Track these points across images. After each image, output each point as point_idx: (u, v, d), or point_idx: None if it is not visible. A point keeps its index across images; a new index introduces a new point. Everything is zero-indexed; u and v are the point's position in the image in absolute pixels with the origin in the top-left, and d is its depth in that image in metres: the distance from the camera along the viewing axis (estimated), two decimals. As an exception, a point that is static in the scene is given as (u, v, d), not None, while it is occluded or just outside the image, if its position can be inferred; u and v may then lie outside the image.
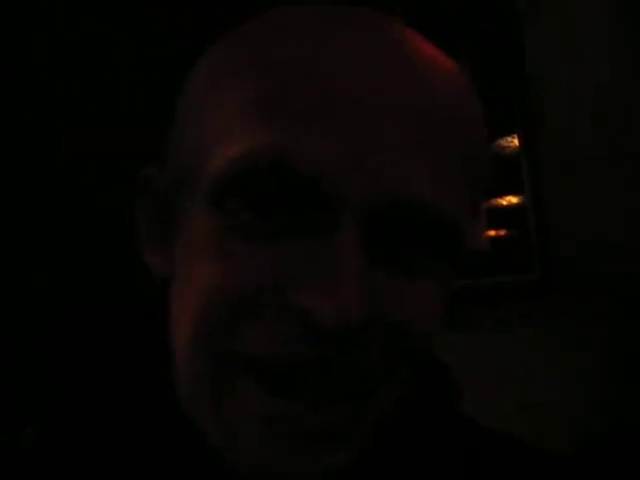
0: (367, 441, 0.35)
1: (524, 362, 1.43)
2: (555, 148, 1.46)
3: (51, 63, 1.39)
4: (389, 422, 0.37)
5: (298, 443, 0.32)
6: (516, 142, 1.51)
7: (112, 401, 0.40)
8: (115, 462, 0.37)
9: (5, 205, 1.29)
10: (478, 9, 1.55)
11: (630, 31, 1.34)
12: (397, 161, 0.30)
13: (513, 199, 1.49)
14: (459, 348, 1.42)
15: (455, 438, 0.43)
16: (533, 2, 1.50)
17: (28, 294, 1.25)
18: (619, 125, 1.36)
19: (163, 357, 0.37)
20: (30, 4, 1.39)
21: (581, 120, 1.43)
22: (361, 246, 0.30)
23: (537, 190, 1.48)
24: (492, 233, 1.50)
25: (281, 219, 0.31)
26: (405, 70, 0.32)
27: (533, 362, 1.42)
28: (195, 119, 0.35)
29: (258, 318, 0.31)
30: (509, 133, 1.51)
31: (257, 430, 0.32)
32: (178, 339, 0.35)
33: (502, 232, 1.50)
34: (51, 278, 1.26)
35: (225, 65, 0.34)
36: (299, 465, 0.32)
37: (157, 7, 1.54)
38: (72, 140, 1.36)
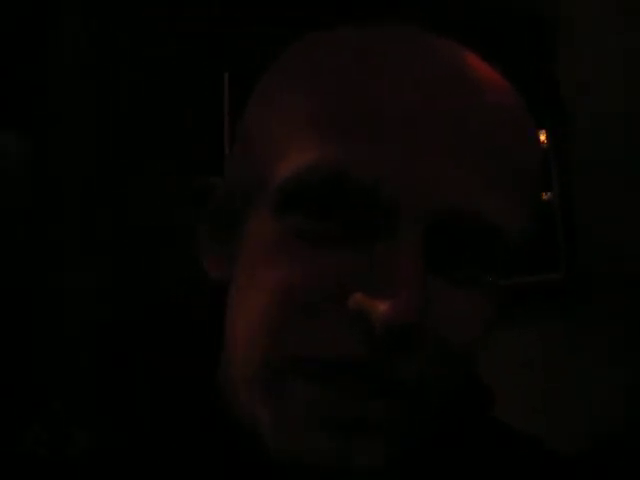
0: (411, 444, 0.36)
1: (545, 362, 1.43)
2: (585, 147, 1.46)
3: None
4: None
5: (344, 431, 0.33)
6: (542, 138, 1.49)
7: (161, 404, 0.42)
8: (164, 464, 0.39)
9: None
10: (510, 10, 1.56)
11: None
12: (454, 174, 0.32)
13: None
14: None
15: (489, 443, 0.45)
16: (565, 4, 1.52)
17: (78, 295, 1.30)
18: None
19: (210, 359, 0.40)
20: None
21: (612, 119, 1.43)
22: (421, 253, 0.31)
23: (566, 189, 1.48)
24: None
25: (343, 226, 0.33)
26: (456, 87, 0.33)
27: (554, 361, 1.42)
28: (261, 133, 0.37)
29: (320, 320, 0.32)
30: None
31: (305, 414, 0.33)
32: (239, 338, 0.36)
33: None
34: (100, 279, 1.31)
35: (288, 82, 0.36)
36: (343, 453, 0.33)
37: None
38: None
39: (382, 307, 0.30)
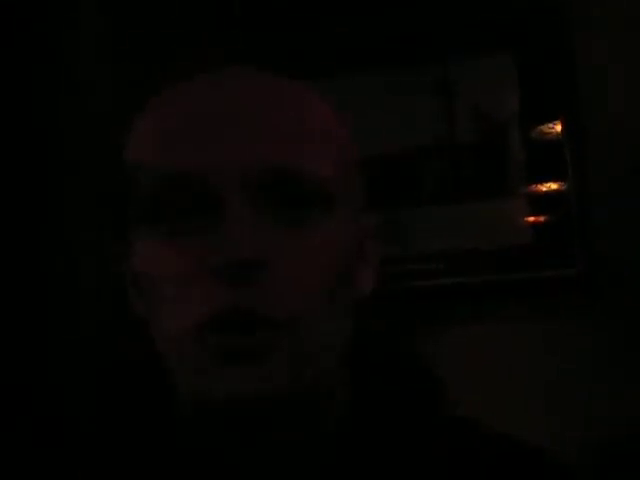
0: (301, 377, 0.43)
1: (555, 360, 1.39)
2: (601, 136, 1.43)
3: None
4: (368, 420, 0.47)
5: (242, 359, 0.41)
6: (557, 128, 1.49)
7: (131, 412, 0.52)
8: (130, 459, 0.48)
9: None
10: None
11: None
12: (252, 145, 0.42)
13: (553, 185, 1.47)
14: (490, 341, 1.43)
15: (433, 437, 0.49)
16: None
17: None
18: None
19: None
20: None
21: (629, 109, 1.40)
22: (246, 207, 0.41)
23: (581, 178, 1.44)
24: (531, 219, 1.50)
25: (192, 218, 0.43)
26: (246, 95, 0.45)
27: (565, 361, 1.39)
28: (134, 158, 0.47)
29: (198, 291, 0.41)
30: (550, 119, 1.50)
31: (209, 358, 0.42)
32: (158, 328, 0.45)
33: (541, 218, 1.49)
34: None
35: (145, 123, 0.47)
36: (250, 376, 0.41)
37: None
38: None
39: (214, 246, 0.40)
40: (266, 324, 0.41)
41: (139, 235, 0.46)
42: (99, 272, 1.38)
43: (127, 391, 0.53)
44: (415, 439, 0.48)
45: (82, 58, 1.45)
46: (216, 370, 0.41)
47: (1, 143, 1.34)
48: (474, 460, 0.49)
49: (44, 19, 1.41)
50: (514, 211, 1.49)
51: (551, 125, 1.48)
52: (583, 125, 1.45)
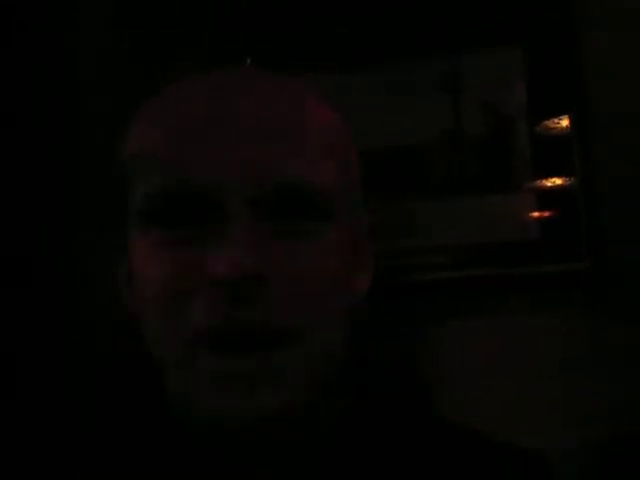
0: (303, 393, 0.43)
1: (564, 357, 1.39)
2: (608, 131, 1.43)
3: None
4: (350, 425, 0.47)
5: (240, 384, 0.40)
6: (563, 124, 1.48)
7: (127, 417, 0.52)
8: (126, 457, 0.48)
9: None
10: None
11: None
12: (254, 156, 0.41)
13: (558, 181, 1.47)
14: (494, 335, 1.43)
15: (415, 439, 0.50)
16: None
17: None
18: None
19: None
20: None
21: (636, 104, 1.40)
22: (247, 221, 0.40)
23: (588, 173, 1.44)
24: (536, 215, 1.50)
25: (191, 228, 0.42)
26: (251, 103, 0.44)
27: (573, 357, 1.38)
28: (130, 159, 0.46)
29: (195, 302, 0.41)
30: (556, 114, 1.50)
31: (212, 383, 0.41)
32: (148, 338, 0.45)
33: (547, 213, 1.49)
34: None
35: (144, 124, 0.46)
36: (248, 403, 0.40)
37: None
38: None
39: (216, 259, 0.39)
40: (267, 340, 0.40)
41: (135, 236, 0.45)
42: (98, 270, 1.39)
43: (125, 390, 0.54)
44: (407, 441, 0.49)
45: (83, 58, 1.46)
46: (213, 391, 0.41)
47: (2, 143, 1.35)
48: (460, 462, 0.50)
49: (44, 19, 1.42)
50: (520, 206, 1.49)
51: (556, 120, 1.48)
52: (590, 120, 1.44)
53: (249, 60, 1.48)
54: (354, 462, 0.47)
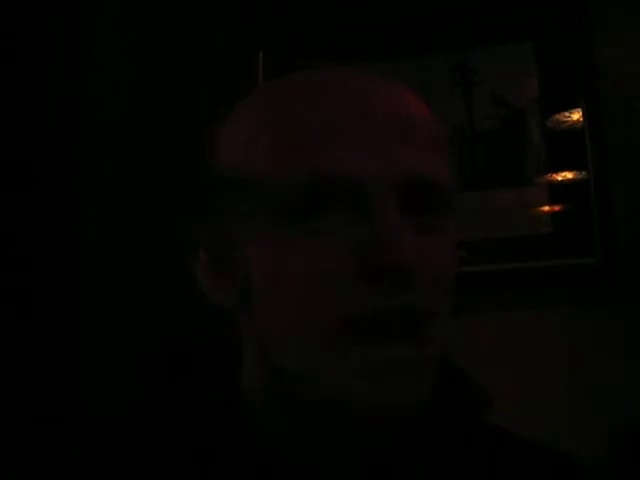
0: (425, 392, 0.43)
1: (571, 354, 1.39)
2: (619, 124, 1.43)
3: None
4: (413, 431, 0.47)
5: (401, 371, 0.41)
6: (574, 117, 1.48)
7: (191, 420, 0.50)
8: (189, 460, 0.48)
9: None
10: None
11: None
12: (397, 152, 0.43)
13: (570, 174, 1.47)
14: (509, 328, 1.43)
15: (477, 446, 0.50)
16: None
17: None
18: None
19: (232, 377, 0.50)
20: None
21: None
22: (398, 218, 0.42)
23: (600, 167, 1.43)
24: (548, 209, 1.49)
25: (342, 213, 0.43)
26: (387, 101, 0.46)
27: (581, 355, 1.38)
28: (244, 159, 0.46)
29: (353, 286, 0.41)
30: (567, 108, 1.49)
31: (367, 374, 0.41)
32: (284, 322, 0.44)
33: (561, 207, 1.50)
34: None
35: (264, 113, 0.47)
36: (401, 392, 0.41)
37: None
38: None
39: (382, 260, 0.40)
40: (422, 325, 0.42)
41: (268, 227, 0.44)
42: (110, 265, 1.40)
43: (195, 380, 0.53)
44: (466, 445, 0.49)
45: (98, 55, 1.47)
46: (374, 382, 0.41)
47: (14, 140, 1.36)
48: (510, 467, 0.51)
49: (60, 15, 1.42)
50: (532, 200, 1.50)
51: (567, 114, 1.48)
52: (602, 113, 1.44)
53: (261, 54, 1.49)
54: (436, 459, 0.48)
